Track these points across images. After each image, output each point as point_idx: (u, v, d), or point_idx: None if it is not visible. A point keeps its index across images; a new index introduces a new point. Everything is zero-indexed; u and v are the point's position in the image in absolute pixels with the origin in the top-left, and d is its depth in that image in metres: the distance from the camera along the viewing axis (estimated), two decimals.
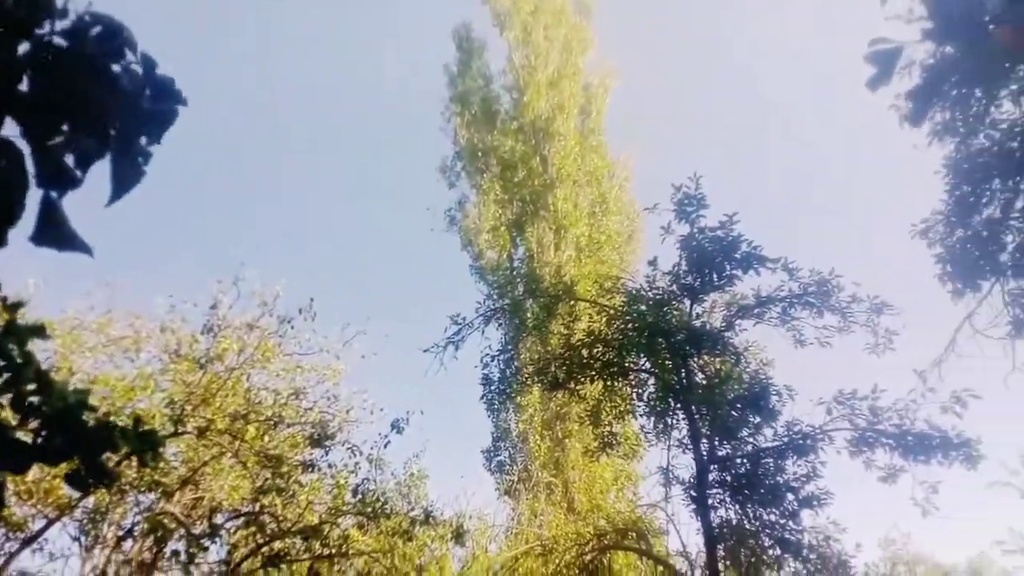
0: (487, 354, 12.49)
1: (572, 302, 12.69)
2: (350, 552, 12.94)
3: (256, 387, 12.51)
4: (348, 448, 12.86)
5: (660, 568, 13.31)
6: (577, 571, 13.96)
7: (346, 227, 67.24)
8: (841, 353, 12.00)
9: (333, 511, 12.55)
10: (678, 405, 12.57)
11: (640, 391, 13.66)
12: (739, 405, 12.12)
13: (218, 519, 12.58)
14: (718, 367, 12.24)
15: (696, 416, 12.42)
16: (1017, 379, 10.33)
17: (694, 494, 12.57)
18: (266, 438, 12.04)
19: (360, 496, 12.83)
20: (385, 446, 12.92)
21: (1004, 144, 9.52)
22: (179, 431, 11.48)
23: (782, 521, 12.20)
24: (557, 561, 14.25)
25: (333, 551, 12.71)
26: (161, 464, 11.85)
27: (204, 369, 11.84)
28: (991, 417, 11.01)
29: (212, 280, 11.94)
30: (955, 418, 10.18)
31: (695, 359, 12.15)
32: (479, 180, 24.35)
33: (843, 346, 11.70)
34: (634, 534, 13.38)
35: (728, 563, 12.82)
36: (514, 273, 22.54)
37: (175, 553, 12.42)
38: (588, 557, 13.90)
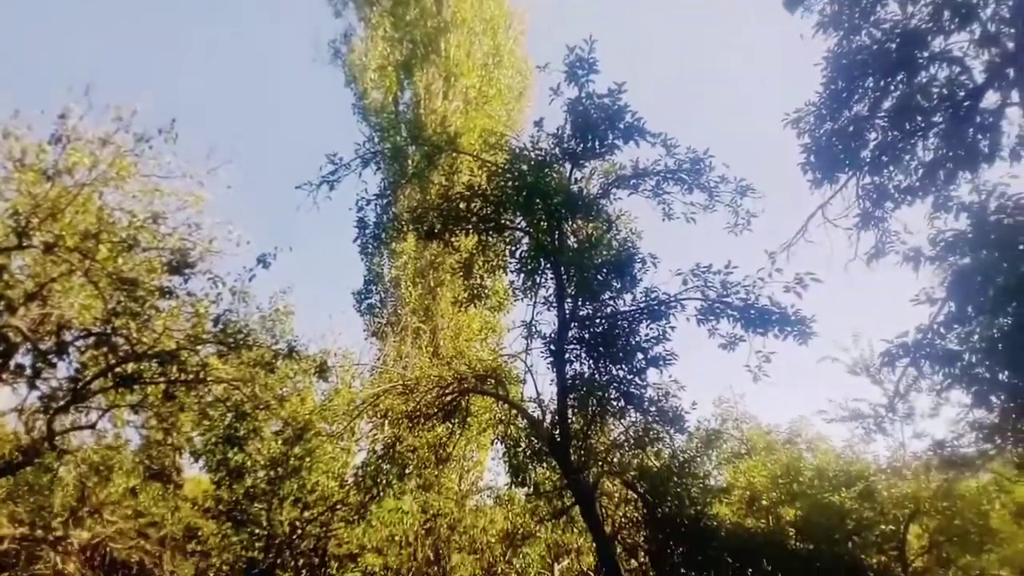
0: (363, 197, 12.26)
1: (455, 154, 12.51)
2: (208, 379, 12.87)
3: (110, 206, 11.75)
4: (210, 279, 12.50)
5: (514, 412, 14.14)
6: (436, 410, 14.61)
7: (218, 50, 61.92)
8: (703, 229, 12.62)
9: (192, 338, 12.33)
10: (548, 265, 12.95)
11: (513, 248, 13.94)
12: (605, 270, 12.63)
13: (67, 337, 12.11)
14: (590, 232, 12.60)
15: (564, 276, 12.87)
16: (857, 267, 11.25)
17: (553, 348, 13.26)
18: (120, 260, 11.46)
19: (221, 326, 12.64)
20: (250, 279, 12.63)
21: (884, 44, 9.88)
22: (24, 244, 10.74)
23: (630, 377, 13.15)
24: (418, 400, 14.81)
25: (190, 377, 12.61)
26: (5, 276, 11.16)
27: (52, 182, 10.97)
28: (829, 299, 12.06)
29: (62, 89, 10.84)
30: (795, 297, 11.08)
31: (569, 222, 12.42)
32: (368, 13, 22.84)
33: (706, 223, 12.28)
34: (493, 380, 14.04)
35: (576, 411, 13.81)
36: (398, 118, 21.81)
37: (19, 367, 11.97)
38: (448, 398, 14.51)
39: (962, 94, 9.88)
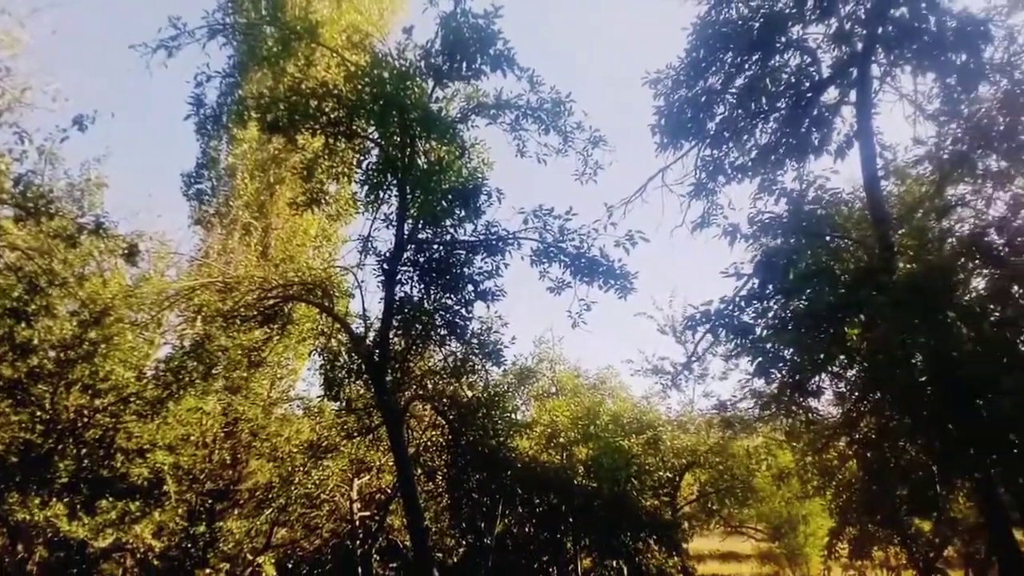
0: (204, 72, 11.28)
1: (314, 45, 11.75)
2: (0, 244, 11.59)
3: None
4: (16, 133, 11.11)
5: (337, 326, 13.90)
6: (255, 312, 14.07)
7: None
8: (552, 172, 12.79)
9: None
10: (394, 181, 12.67)
11: (361, 157, 13.49)
12: (451, 196, 12.54)
13: None
14: (442, 155, 12.41)
15: (408, 196, 12.65)
16: (682, 233, 11.92)
17: (386, 267, 13.10)
18: None
19: (22, 188, 11.32)
20: (62, 140, 11.36)
21: (748, 21, 10.28)
22: None
23: (457, 307, 13.29)
24: (237, 300, 14.18)
25: None
26: None
27: None
28: (655, 260, 12.71)
29: None
30: (624, 253, 11.58)
31: (422, 141, 12.16)
32: None
33: (557, 166, 12.46)
34: (320, 291, 13.68)
35: (400, 333, 13.80)
36: None
37: None
38: (270, 302, 14.00)
39: (807, 85, 10.55)
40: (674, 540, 14.72)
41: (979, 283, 10.53)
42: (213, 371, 15.30)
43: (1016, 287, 9.94)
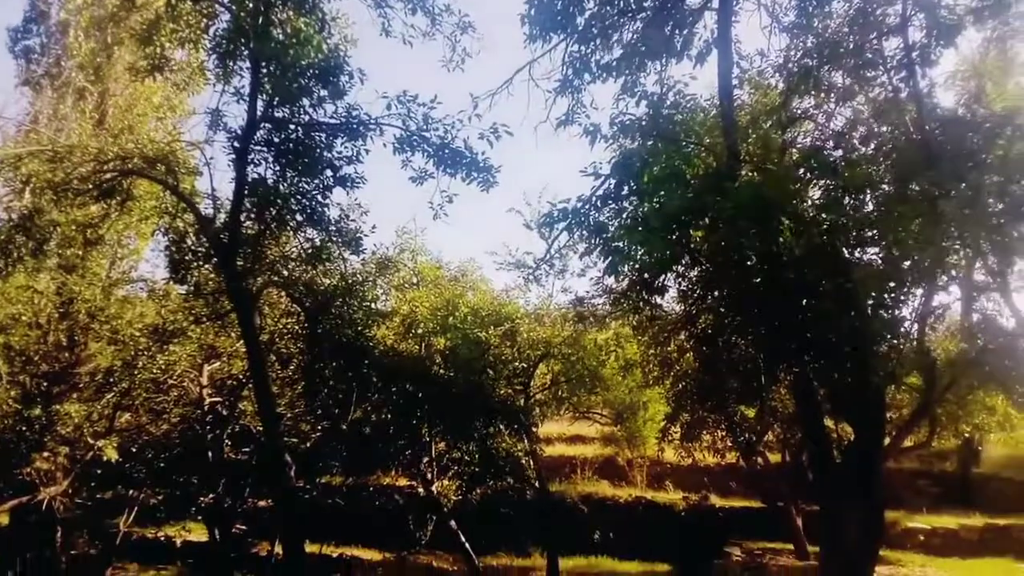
0: None
1: None
2: None
3: None
4: None
5: (183, 205, 13.09)
6: (91, 186, 13.01)
7: None
8: (418, 59, 12.27)
9: None
10: (247, 52, 11.77)
11: (210, 22, 12.38)
12: (309, 73, 11.85)
13: None
14: (300, 27, 11.54)
15: (263, 70, 11.85)
16: (545, 129, 11.85)
17: (238, 145, 12.34)
18: None
19: None
20: None
21: None
22: None
23: (315, 192, 12.82)
24: (70, 171, 13.02)
25: None
26: None
27: None
28: (527, 157, 12.66)
29: None
30: (487, 145, 11.45)
31: (278, 10, 11.26)
32: None
33: (424, 52, 11.94)
34: (164, 166, 12.73)
35: (252, 216, 13.19)
36: None
37: None
38: (107, 176, 12.95)
39: None
40: (524, 425, 15.45)
41: (815, 193, 11.28)
42: (45, 247, 14.23)
43: (847, 198, 10.72)
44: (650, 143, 9.88)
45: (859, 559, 10.41)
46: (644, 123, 9.98)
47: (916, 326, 11.68)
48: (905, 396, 14.42)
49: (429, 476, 15.90)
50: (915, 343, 11.68)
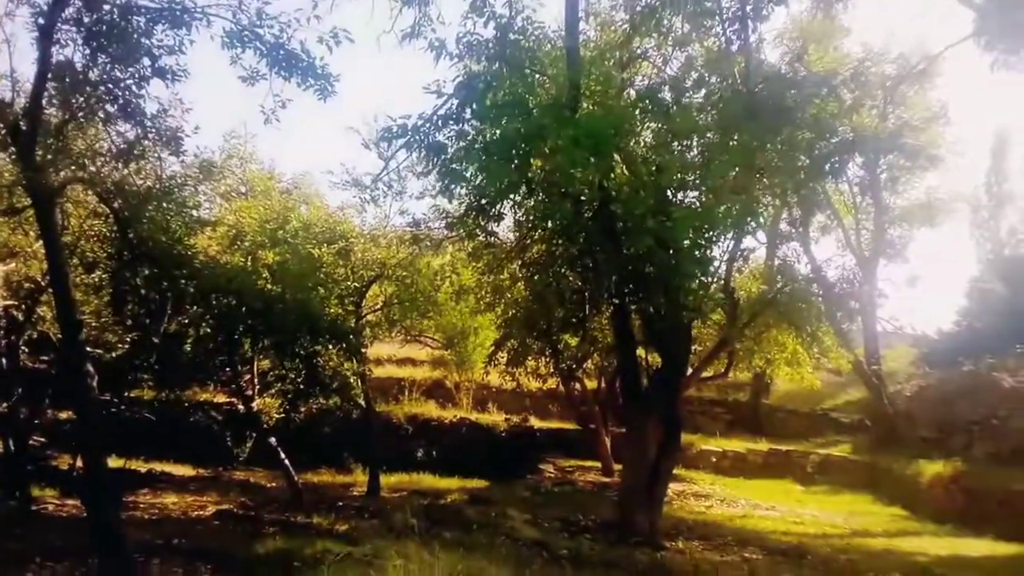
0: None
1: None
2: None
3: None
4: None
5: None
6: None
7: None
8: None
9: None
10: None
11: None
12: None
13: None
14: None
15: None
16: (390, 42, 11.41)
17: (42, 22, 10.88)
18: None
19: None
20: None
21: None
22: None
23: (129, 82, 11.62)
24: None
25: None
26: None
27: None
28: (364, 73, 12.09)
29: None
30: (327, 51, 10.82)
31: None
32: None
33: None
34: None
35: (56, 103, 11.82)
36: None
37: None
38: None
39: None
40: (353, 345, 15.27)
41: (647, 134, 11.75)
42: None
43: (676, 143, 11.25)
44: (495, 67, 9.80)
45: (657, 475, 11.38)
46: (491, 46, 9.85)
47: (724, 267, 12.63)
48: (709, 331, 15.66)
49: (250, 393, 15.43)
50: (722, 282, 12.65)
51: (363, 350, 16.83)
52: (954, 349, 23.31)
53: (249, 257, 14.77)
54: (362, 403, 16.72)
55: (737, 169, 10.62)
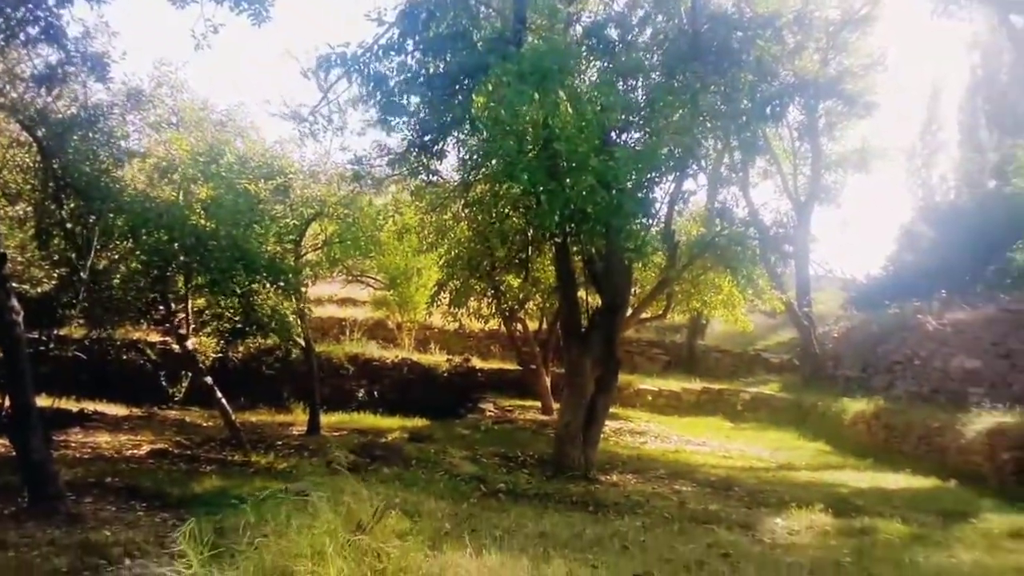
0: None
1: None
2: None
3: None
4: None
5: None
6: None
7: None
8: None
9: None
10: None
11: None
12: None
13: None
14: None
15: None
16: None
17: None
18: None
19: None
20: None
21: None
22: None
23: (52, 3, 10.93)
24: None
25: None
26: None
27: None
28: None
29: None
30: None
31: None
32: None
33: None
34: None
35: None
36: None
37: None
38: None
39: None
40: (292, 284, 14.99)
41: (592, 72, 11.63)
42: None
43: (621, 82, 11.17)
44: None
45: (594, 412, 11.64)
46: None
47: (666, 209, 12.75)
48: (649, 273, 15.88)
49: (184, 332, 15.06)
50: (663, 224, 12.79)
51: (302, 289, 16.57)
52: (881, 293, 24.26)
53: (181, 191, 14.21)
54: (301, 343, 16.55)
55: (681, 111, 10.65)
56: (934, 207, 33.97)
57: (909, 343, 19.11)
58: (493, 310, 18.12)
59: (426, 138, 11.24)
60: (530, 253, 15.88)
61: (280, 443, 14.12)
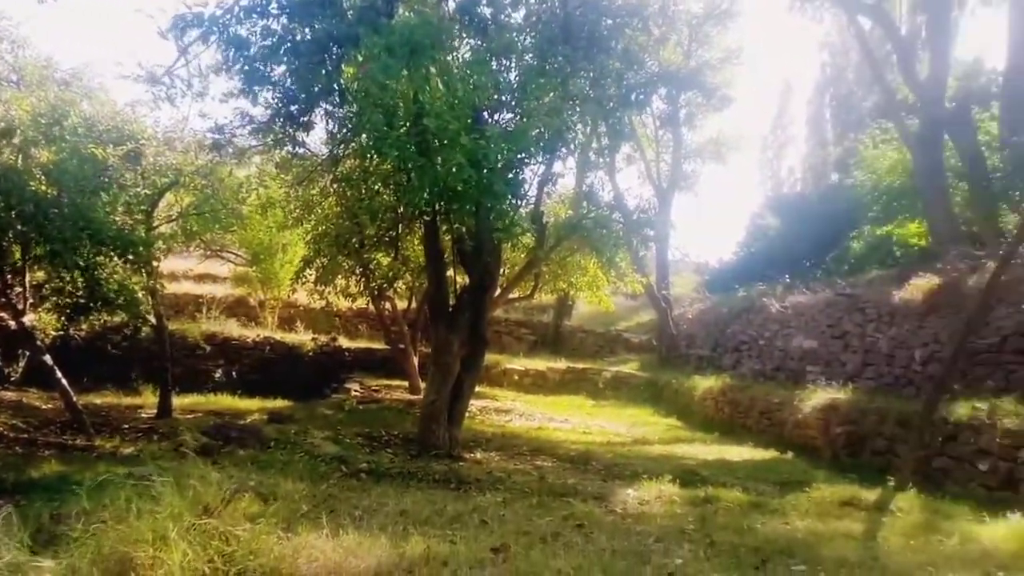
0: None
1: None
2: None
3: None
4: None
5: None
6: None
7: None
8: None
9: None
10: None
11: None
12: None
13: None
14: None
15: None
16: None
17: None
18: None
19: None
20: None
21: None
22: None
23: None
24: None
25: None
26: None
27: None
28: None
29: None
30: None
31: None
32: None
33: None
34: None
35: None
36: None
37: None
38: None
39: None
40: (142, 257, 14.07)
41: (465, 51, 11.58)
42: None
43: (494, 61, 11.19)
44: None
45: (459, 391, 11.72)
46: None
47: (535, 190, 12.95)
48: (518, 254, 16.12)
49: (21, 307, 13.82)
50: (532, 205, 12.99)
51: (154, 263, 15.63)
52: (732, 277, 25.82)
53: (20, 155, 12.98)
54: (152, 320, 15.61)
55: (552, 94, 10.80)
56: (782, 197, 36.42)
57: (755, 324, 20.48)
58: (362, 288, 17.80)
59: (292, 108, 10.82)
60: (400, 231, 15.70)
61: (127, 426, 13.32)
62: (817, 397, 14.40)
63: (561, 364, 22.57)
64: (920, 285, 15.09)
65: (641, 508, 7.87)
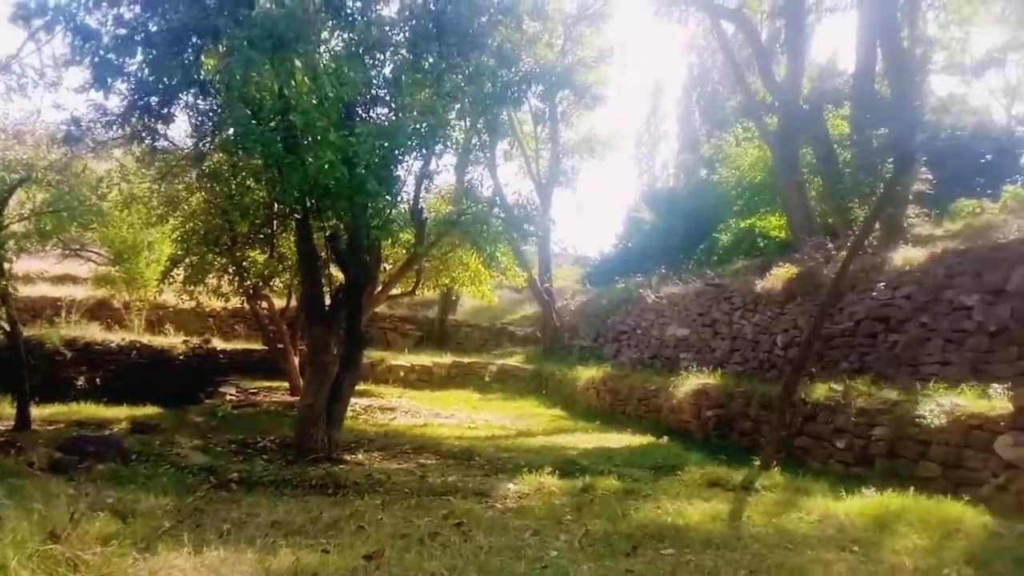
0: None
1: None
2: None
3: None
4: None
5: None
6: None
7: None
8: None
9: None
10: None
11: None
12: None
13: None
14: None
15: None
16: None
17: None
18: None
19: None
20: None
21: None
22: None
23: None
24: None
25: None
26: None
27: None
28: None
29: None
30: None
31: None
32: None
33: None
34: None
35: None
36: None
37: None
38: None
39: None
40: None
41: (337, 44, 11.30)
42: None
43: (367, 56, 10.99)
44: None
45: (338, 391, 11.49)
46: None
47: (413, 186, 12.83)
48: (399, 250, 15.95)
49: None
50: (411, 202, 12.87)
51: (6, 265, 14.50)
52: (612, 269, 26.60)
53: None
54: (5, 326, 14.47)
55: (427, 90, 10.73)
56: (656, 192, 37.77)
57: (633, 315, 21.18)
58: (235, 287, 17.13)
59: (150, 100, 10.22)
60: (275, 228, 15.20)
61: None
62: (689, 383, 15.06)
63: (447, 359, 22.56)
64: (780, 274, 16.04)
65: (521, 502, 7.97)
